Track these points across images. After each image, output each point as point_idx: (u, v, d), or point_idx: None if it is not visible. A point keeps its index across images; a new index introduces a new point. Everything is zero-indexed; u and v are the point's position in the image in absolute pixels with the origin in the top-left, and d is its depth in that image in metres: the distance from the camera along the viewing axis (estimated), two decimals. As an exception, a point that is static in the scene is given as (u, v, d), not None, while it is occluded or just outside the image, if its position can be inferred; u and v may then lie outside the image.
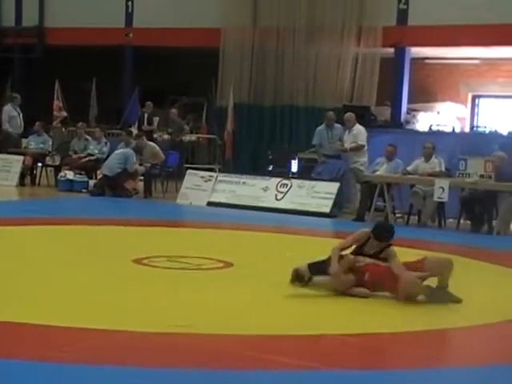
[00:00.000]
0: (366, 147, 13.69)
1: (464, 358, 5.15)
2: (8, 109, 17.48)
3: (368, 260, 6.49)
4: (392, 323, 5.81)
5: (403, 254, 6.87)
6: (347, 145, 13.69)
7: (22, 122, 17.30)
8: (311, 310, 6.01)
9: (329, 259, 6.64)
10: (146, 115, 17.83)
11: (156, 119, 17.92)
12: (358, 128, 13.77)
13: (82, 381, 4.14)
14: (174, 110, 18.10)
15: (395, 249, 6.59)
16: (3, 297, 5.96)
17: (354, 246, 6.71)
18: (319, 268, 6.66)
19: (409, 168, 12.51)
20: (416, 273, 6.33)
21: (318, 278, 6.44)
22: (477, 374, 4.77)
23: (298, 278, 6.37)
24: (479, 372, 4.80)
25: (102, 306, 5.79)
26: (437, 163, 12.43)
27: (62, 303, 5.81)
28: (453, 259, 6.52)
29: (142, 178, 15.16)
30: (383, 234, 6.52)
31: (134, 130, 16.58)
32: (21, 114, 17.62)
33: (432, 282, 6.47)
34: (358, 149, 13.62)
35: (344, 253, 6.64)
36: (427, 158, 12.49)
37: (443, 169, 12.42)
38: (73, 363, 4.37)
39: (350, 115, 13.91)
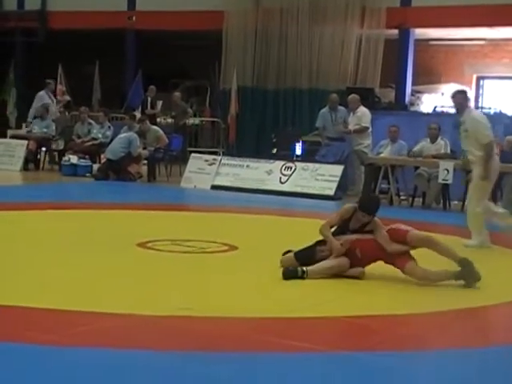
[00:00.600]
0: (370, 129, 13.64)
1: (467, 340, 5.13)
2: (41, 95, 17.12)
3: (353, 236, 6.49)
4: (393, 304, 5.82)
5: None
6: (351, 127, 13.64)
7: (57, 110, 17.05)
8: (314, 293, 5.99)
9: (315, 244, 6.60)
10: (149, 99, 17.77)
11: (159, 103, 17.85)
12: (362, 110, 13.70)
13: (82, 364, 4.13)
14: (177, 94, 18.04)
15: (378, 220, 6.59)
16: (7, 281, 5.96)
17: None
18: (307, 255, 6.55)
19: (414, 149, 12.48)
20: (398, 245, 6.35)
21: (314, 269, 6.39)
22: (485, 355, 4.76)
23: (291, 276, 6.30)
24: (487, 353, 4.79)
25: (105, 290, 5.79)
26: (442, 144, 12.42)
27: (65, 287, 5.80)
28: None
29: (145, 161, 15.14)
30: (372, 206, 6.54)
31: (138, 114, 16.54)
32: (54, 101, 17.37)
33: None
34: (361, 131, 13.57)
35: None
36: (433, 140, 12.46)
37: (448, 151, 12.40)
38: (73, 347, 4.37)
39: (353, 97, 13.84)
